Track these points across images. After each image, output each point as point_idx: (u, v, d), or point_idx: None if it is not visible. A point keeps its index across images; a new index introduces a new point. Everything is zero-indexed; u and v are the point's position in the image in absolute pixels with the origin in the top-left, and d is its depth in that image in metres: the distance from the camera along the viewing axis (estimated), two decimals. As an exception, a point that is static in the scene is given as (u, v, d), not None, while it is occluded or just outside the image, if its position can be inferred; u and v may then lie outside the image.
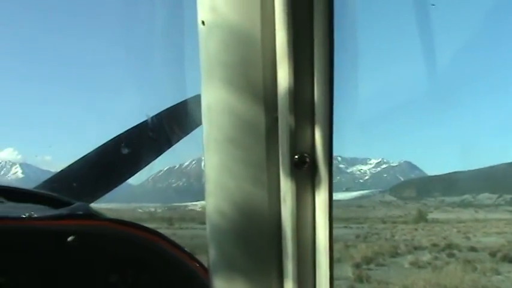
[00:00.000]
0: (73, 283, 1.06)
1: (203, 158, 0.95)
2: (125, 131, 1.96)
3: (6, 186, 1.57)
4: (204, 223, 0.99)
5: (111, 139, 1.95)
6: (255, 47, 0.84)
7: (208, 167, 0.93)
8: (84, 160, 1.94)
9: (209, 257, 0.96)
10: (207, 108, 0.91)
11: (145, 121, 2.00)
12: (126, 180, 2.06)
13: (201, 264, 1.24)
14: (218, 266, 0.94)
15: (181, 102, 2.04)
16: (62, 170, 1.94)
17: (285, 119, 0.83)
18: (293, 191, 0.84)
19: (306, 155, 0.83)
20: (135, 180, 2.02)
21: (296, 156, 0.83)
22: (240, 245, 0.91)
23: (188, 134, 2.04)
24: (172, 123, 2.04)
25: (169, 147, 2.03)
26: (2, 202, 1.33)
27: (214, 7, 0.85)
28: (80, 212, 1.14)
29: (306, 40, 0.80)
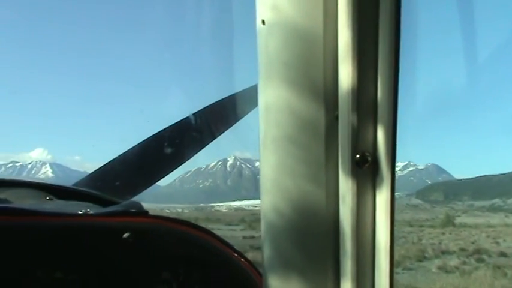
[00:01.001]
0: (127, 279, 1.08)
1: (259, 156, 0.95)
2: (165, 128, 1.98)
3: (53, 185, 1.60)
4: (228, 224, 0.99)
5: (152, 136, 1.97)
6: (316, 46, 0.85)
7: (264, 165, 0.93)
8: (123, 157, 1.97)
9: (263, 255, 0.97)
10: (265, 106, 0.92)
11: (187, 117, 2.02)
12: (164, 176, 2.08)
13: (252, 264, 1.24)
14: (273, 264, 0.94)
15: (222, 99, 2.06)
16: (101, 167, 1.97)
17: (346, 117, 0.83)
18: (353, 189, 0.84)
19: (367, 153, 0.83)
20: (162, 181, 2.04)
21: (357, 155, 0.83)
22: (296, 243, 0.91)
23: (227, 129, 2.06)
24: (213, 119, 2.05)
25: (208, 143, 2.05)
26: (51, 199, 1.36)
27: (276, 6, 0.86)
28: (134, 210, 1.15)
29: (370, 38, 0.80)
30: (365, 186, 0.84)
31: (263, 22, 0.89)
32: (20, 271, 1.00)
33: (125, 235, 1.06)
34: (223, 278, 1.16)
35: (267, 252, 0.95)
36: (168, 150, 1.93)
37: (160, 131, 1.96)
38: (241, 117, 2.13)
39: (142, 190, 1.92)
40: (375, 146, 0.83)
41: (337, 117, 0.85)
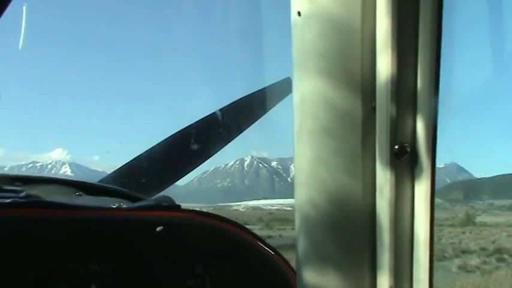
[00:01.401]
0: (161, 272, 1.08)
1: (294, 148, 0.95)
2: (192, 124, 1.98)
3: (81, 181, 1.62)
4: (246, 223, 0.99)
5: (178, 132, 1.97)
6: (354, 36, 0.84)
7: (299, 158, 0.93)
8: (149, 154, 1.97)
9: (298, 247, 0.96)
10: (300, 98, 0.91)
11: (212, 113, 2.02)
12: (190, 171, 2.08)
13: (283, 258, 1.24)
14: (308, 258, 0.94)
15: (246, 95, 2.06)
16: (127, 164, 1.97)
17: (384, 108, 0.82)
18: (391, 181, 0.83)
19: (406, 144, 0.82)
20: (181, 181, 2.04)
21: (396, 146, 0.82)
22: (332, 236, 0.90)
23: (252, 124, 2.06)
24: (237, 115, 2.05)
25: (232, 139, 2.05)
26: (80, 195, 1.37)
27: (313, -3, 0.85)
28: (166, 204, 1.16)
29: (410, 27, 0.79)
30: (403, 178, 0.83)
31: (299, 14, 0.88)
32: (58, 263, 1.00)
33: (158, 228, 1.07)
34: (255, 272, 1.16)
35: (301, 245, 0.94)
36: (194, 146, 1.93)
37: (187, 126, 1.97)
38: (264, 114, 2.13)
39: (168, 186, 1.93)
40: (414, 137, 0.82)
41: (374, 108, 0.84)
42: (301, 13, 0.88)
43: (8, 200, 1.04)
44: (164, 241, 1.08)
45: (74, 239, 1.03)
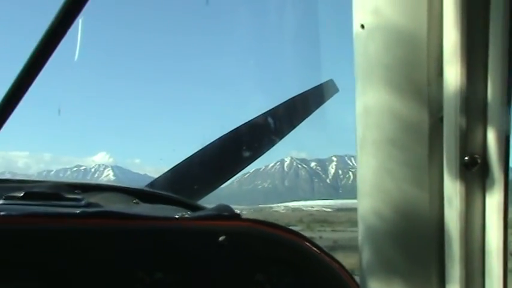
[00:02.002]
0: (223, 279, 1.10)
1: (357, 158, 0.95)
2: (240, 126, 2.00)
3: (137, 188, 1.65)
4: (287, 225, 1.00)
5: (224, 135, 1.99)
6: (420, 47, 0.84)
7: (363, 168, 0.93)
8: (200, 157, 1.99)
9: (362, 257, 0.96)
10: (364, 109, 0.91)
11: (257, 116, 2.03)
12: (236, 174, 2.10)
13: (343, 267, 1.24)
14: (372, 268, 0.94)
15: (291, 98, 2.07)
16: (176, 166, 2.00)
17: (452, 119, 0.81)
18: (461, 192, 0.82)
19: (476, 156, 0.81)
20: None
21: (466, 157, 0.81)
22: (398, 246, 0.90)
23: (297, 126, 2.07)
24: (283, 117, 2.06)
25: (278, 141, 2.06)
26: (137, 203, 1.40)
27: (376, 10, 0.85)
28: (227, 213, 1.17)
29: (479, 38, 0.78)
30: (474, 189, 0.82)
31: (362, 26, 0.89)
32: (125, 272, 1.03)
33: (221, 238, 1.08)
34: (315, 280, 1.17)
35: (366, 255, 0.94)
36: (241, 148, 1.95)
37: (234, 129, 1.98)
38: (308, 115, 2.14)
39: (216, 188, 1.95)
40: (484, 148, 0.81)
41: (442, 119, 0.84)
42: (365, 26, 0.88)
43: (78, 211, 1.07)
44: (226, 250, 1.10)
45: (140, 248, 1.06)
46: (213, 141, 2.00)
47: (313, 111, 2.14)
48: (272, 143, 2.05)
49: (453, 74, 0.80)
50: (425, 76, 0.84)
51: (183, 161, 1.99)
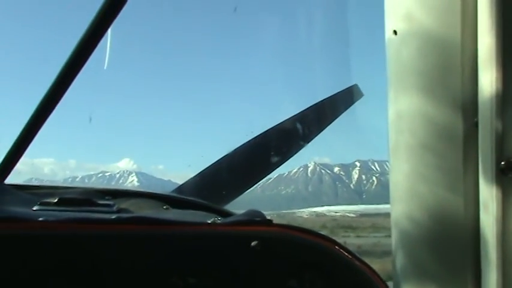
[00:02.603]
0: (256, 284, 1.10)
1: (389, 163, 0.95)
2: (263, 132, 2.00)
3: (166, 195, 1.66)
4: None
5: (250, 140, 1.99)
6: (453, 52, 0.84)
7: (396, 173, 0.93)
8: (228, 162, 2.00)
9: (395, 261, 0.96)
10: (396, 114, 0.91)
11: (286, 120, 2.04)
12: (262, 179, 2.11)
13: (376, 272, 1.23)
14: (407, 273, 0.94)
15: (316, 103, 2.07)
16: (202, 171, 2.00)
17: (488, 124, 0.81)
18: (497, 197, 0.81)
19: (513, 160, 0.81)
20: None
21: (502, 162, 0.81)
22: (432, 252, 0.90)
23: (323, 130, 2.07)
24: (309, 121, 2.06)
25: (305, 145, 2.06)
26: (167, 209, 1.41)
27: (409, 16, 0.86)
28: (258, 219, 1.18)
29: (514, 44, 0.78)
30: (510, 194, 0.82)
31: (395, 32, 0.89)
32: (160, 277, 1.04)
33: (253, 243, 1.09)
34: (348, 285, 1.16)
35: (399, 260, 0.94)
36: (266, 154, 1.96)
37: (263, 132, 1.98)
38: (333, 120, 2.14)
39: (242, 193, 1.96)
40: (521, 152, 0.81)
41: (476, 124, 0.83)
42: (397, 32, 0.88)
43: (113, 216, 1.09)
44: (258, 255, 1.10)
45: (174, 254, 1.07)
46: (241, 146, 2.01)
47: (338, 117, 2.14)
48: (299, 148, 2.05)
49: (488, 79, 0.80)
50: (459, 81, 0.84)
51: (211, 165, 2.00)
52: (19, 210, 1.15)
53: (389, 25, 0.90)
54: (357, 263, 1.20)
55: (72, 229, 0.99)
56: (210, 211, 1.44)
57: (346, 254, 1.19)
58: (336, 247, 1.20)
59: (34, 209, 1.15)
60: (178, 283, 1.03)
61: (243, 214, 1.23)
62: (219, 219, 1.17)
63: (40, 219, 0.99)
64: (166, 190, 1.94)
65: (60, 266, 0.98)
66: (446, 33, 0.83)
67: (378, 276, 1.21)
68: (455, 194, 0.86)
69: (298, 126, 2.05)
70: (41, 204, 1.18)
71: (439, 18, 0.84)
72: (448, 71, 0.84)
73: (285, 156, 2.07)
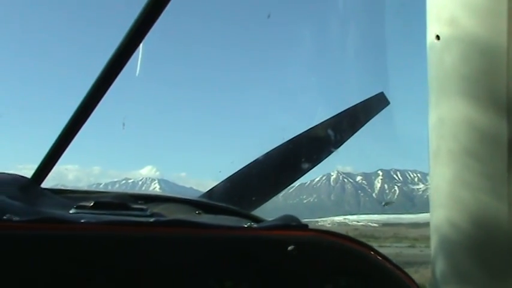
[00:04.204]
0: None
1: (429, 169, 0.94)
2: (292, 138, 2.00)
3: (197, 200, 1.67)
4: None
5: (279, 145, 1.99)
6: (499, 57, 0.83)
7: (437, 178, 0.92)
8: (259, 169, 2.00)
9: (434, 269, 0.95)
10: (438, 120, 0.91)
11: (311, 128, 2.03)
12: (290, 185, 2.10)
13: (412, 279, 1.22)
14: (447, 280, 0.93)
15: (343, 111, 2.07)
16: (229, 177, 2.00)
17: (534, 129, 0.80)
18: (543, 204, 0.80)
19: (560, 166, 0.80)
20: None
21: (549, 169, 0.80)
22: (474, 259, 0.89)
23: (349, 138, 2.06)
24: (336, 129, 2.06)
25: (330, 153, 2.05)
26: (200, 214, 1.42)
27: (453, 21, 0.86)
28: (294, 223, 1.18)
29: None
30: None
31: (437, 37, 0.89)
32: (197, 279, 1.05)
33: (290, 248, 1.09)
34: None
35: (439, 267, 0.93)
36: (301, 157, 1.95)
37: (292, 138, 1.98)
38: (360, 128, 2.13)
39: (269, 199, 1.96)
40: None
41: (522, 129, 0.83)
42: (441, 37, 0.88)
43: (152, 219, 1.10)
44: (295, 260, 1.11)
45: (211, 257, 1.07)
46: (271, 151, 2.00)
47: (364, 125, 2.13)
48: (328, 154, 2.05)
49: (535, 84, 0.79)
50: (504, 86, 0.83)
51: (240, 170, 1.99)
52: (57, 212, 1.17)
53: (432, 30, 0.90)
54: (394, 269, 1.19)
55: (113, 231, 1.01)
56: (241, 217, 1.45)
57: (384, 261, 1.19)
58: (372, 253, 1.20)
59: (71, 212, 1.17)
60: (215, 286, 1.04)
61: (279, 219, 1.24)
62: (254, 224, 1.18)
63: (82, 221, 1.01)
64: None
65: (101, 267, 0.99)
66: (492, 37, 0.83)
67: (415, 282, 1.20)
68: (498, 199, 0.85)
69: (326, 132, 2.04)
70: (77, 207, 1.20)
71: (484, 22, 0.83)
72: (493, 75, 0.83)
73: (314, 162, 2.07)
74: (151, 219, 1.09)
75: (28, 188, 1.36)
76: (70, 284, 0.93)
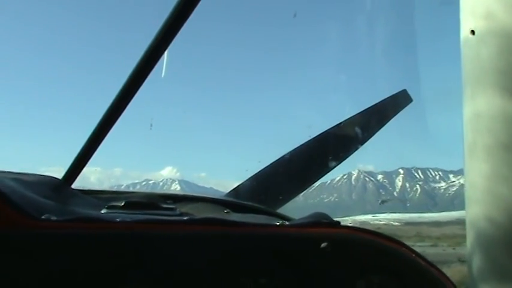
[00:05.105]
0: (325, 286, 1.10)
1: (464, 163, 0.94)
2: (318, 135, 1.99)
3: (225, 199, 1.68)
4: None
5: (305, 143, 1.98)
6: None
7: (472, 174, 0.92)
8: (277, 166, 1.99)
9: (471, 264, 0.94)
10: (474, 114, 0.90)
11: (334, 127, 2.03)
12: (315, 182, 2.09)
13: (447, 276, 1.22)
14: (485, 276, 0.92)
15: (366, 108, 2.06)
16: (255, 175, 2.00)
17: None
18: None
19: None
20: None
21: None
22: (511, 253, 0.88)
23: (373, 136, 2.05)
24: (359, 127, 2.05)
25: (355, 150, 2.04)
26: (228, 213, 1.42)
27: (489, 15, 0.85)
28: (326, 220, 1.18)
29: None
30: None
31: (472, 32, 0.88)
32: (231, 277, 1.06)
33: (323, 245, 1.09)
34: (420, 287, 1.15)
35: (477, 264, 0.93)
36: (317, 159, 1.95)
37: (318, 135, 1.97)
38: (382, 127, 2.12)
39: (294, 197, 1.95)
40: None
41: (561, 123, 0.82)
42: (476, 31, 0.87)
43: (185, 218, 1.11)
44: (328, 257, 1.10)
45: (244, 254, 1.08)
46: (297, 148, 1.99)
47: (387, 122, 2.12)
48: (352, 151, 2.04)
49: None
50: (542, 79, 0.82)
51: (265, 168, 1.99)
52: (90, 212, 1.19)
53: (467, 25, 0.89)
54: (428, 266, 1.18)
55: (149, 229, 1.02)
56: (269, 215, 1.45)
57: (419, 258, 1.18)
58: (406, 250, 1.19)
59: (102, 212, 1.19)
60: (249, 283, 1.04)
61: (309, 216, 1.24)
62: (285, 222, 1.18)
63: (117, 219, 1.02)
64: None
65: (138, 265, 1.00)
66: (529, 31, 0.82)
67: (450, 280, 1.20)
68: (537, 194, 0.84)
69: (350, 130, 2.03)
70: (109, 207, 1.22)
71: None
72: (530, 69, 0.83)
73: (340, 160, 2.06)
74: (185, 218, 1.09)
75: (60, 188, 1.38)
76: (108, 282, 0.95)
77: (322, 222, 1.16)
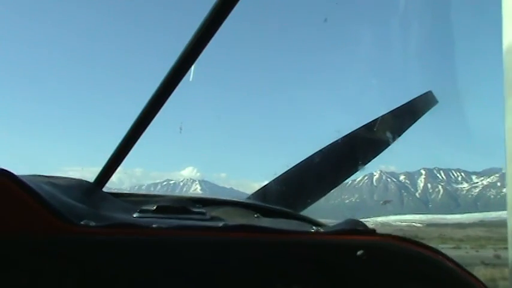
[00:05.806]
0: None
1: (505, 167, 0.92)
2: (344, 136, 1.97)
3: (254, 203, 1.67)
4: None
5: (332, 143, 1.97)
6: None
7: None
8: (304, 166, 1.98)
9: None
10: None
11: (358, 128, 2.01)
12: (342, 182, 2.07)
13: (484, 284, 1.20)
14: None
15: (392, 110, 2.04)
16: (281, 175, 1.98)
17: None
18: None
19: None
20: None
21: None
22: None
23: (398, 138, 2.03)
24: (385, 129, 2.03)
25: (378, 154, 2.02)
26: (258, 217, 1.42)
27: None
28: (361, 228, 1.17)
29: None
30: None
31: None
32: (263, 283, 1.05)
33: (359, 252, 1.08)
34: None
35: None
36: (355, 156, 1.93)
37: (347, 134, 1.95)
38: (408, 128, 2.10)
39: (319, 199, 1.94)
40: None
41: None
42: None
43: (220, 224, 1.11)
44: (364, 265, 1.10)
45: (280, 262, 1.08)
46: (324, 149, 1.97)
47: (413, 123, 2.10)
48: (379, 152, 2.02)
49: None
50: None
51: (292, 169, 1.97)
52: (122, 216, 1.19)
53: (509, 30, 0.87)
54: (466, 275, 1.16)
55: (188, 236, 1.02)
56: (299, 220, 1.44)
57: (454, 265, 1.16)
58: (442, 258, 1.17)
59: (135, 216, 1.19)
60: None
61: (343, 223, 1.23)
62: (320, 229, 1.17)
63: (154, 225, 1.03)
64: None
65: (174, 271, 1.00)
66: None
67: (484, 285, 1.18)
68: None
69: (377, 131, 2.01)
70: (141, 211, 1.22)
71: None
72: None
73: (368, 159, 2.04)
74: (220, 224, 1.09)
75: (92, 192, 1.39)
76: (147, 287, 0.95)
77: (358, 230, 1.15)
